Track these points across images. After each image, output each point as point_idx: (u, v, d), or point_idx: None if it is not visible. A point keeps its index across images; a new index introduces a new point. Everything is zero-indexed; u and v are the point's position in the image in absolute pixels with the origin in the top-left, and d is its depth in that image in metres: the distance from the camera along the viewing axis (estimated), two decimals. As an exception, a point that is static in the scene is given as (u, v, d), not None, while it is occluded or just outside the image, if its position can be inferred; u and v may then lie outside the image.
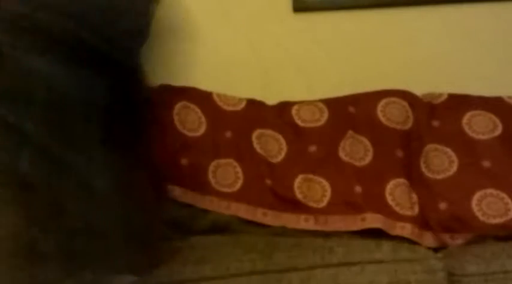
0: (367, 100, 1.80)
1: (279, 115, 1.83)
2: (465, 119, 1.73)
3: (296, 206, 1.66)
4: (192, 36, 1.86)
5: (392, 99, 1.79)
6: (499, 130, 1.70)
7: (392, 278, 1.11)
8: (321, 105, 1.83)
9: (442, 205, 1.60)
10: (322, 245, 1.18)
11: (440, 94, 1.80)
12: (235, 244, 1.24)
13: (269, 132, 1.79)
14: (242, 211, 1.67)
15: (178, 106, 1.81)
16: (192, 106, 1.82)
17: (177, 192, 1.68)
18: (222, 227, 1.64)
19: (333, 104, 1.82)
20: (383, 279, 1.11)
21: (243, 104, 1.86)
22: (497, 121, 1.71)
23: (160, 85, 1.87)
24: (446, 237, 1.56)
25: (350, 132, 1.75)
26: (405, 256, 1.14)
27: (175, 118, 1.80)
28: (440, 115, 1.75)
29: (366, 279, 1.11)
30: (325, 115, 1.80)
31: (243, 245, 1.21)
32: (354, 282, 1.11)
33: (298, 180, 1.69)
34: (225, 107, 1.84)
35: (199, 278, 1.12)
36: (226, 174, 1.72)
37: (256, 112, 1.84)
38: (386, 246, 1.16)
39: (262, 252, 1.16)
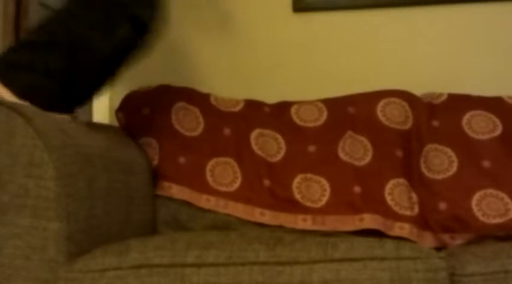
0: (366, 101, 1.79)
1: (277, 114, 1.82)
2: (465, 119, 1.72)
3: (294, 206, 1.64)
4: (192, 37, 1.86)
5: (392, 99, 1.78)
6: (499, 130, 1.69)
7: (394, 276, 1.10)
8: (320, 104, 1.82)
9: (442, 205, 1.60)
10: (325, 240, 1.17)
11: (440, 94, 1.80)
12: (240, 235, 1.23)
13: (268, 131, 1.78)
14: (240, 210, 1.65)
15: (176, 107, 1.81)
16: (191, 107, 1.81)
17: (174, 190, 1.67)
18: (222, 226, 1.63)
19: (332, 104, 1.81)
20: (385, 276, 1.09)
21: (240, 105, 1.85)
22: (497, 121, 1.71)
23: (159, 86, 1.87)
24: (445, 237, 1.56)
25: (349, 132, 1.73)
26: (408, 254, 1.13)
27: (173, 118, 1.79)
28: (440, 115, 1.74)
29: (368, 275, 1.09)
30: (324, 115, 1.79)
31: (247, 237, 1.19)
32: (356, 278, 1.09)
33: (297, 180, 1.68)
34: (223, 109, 1.83)
35: (201, 264, 1.11)
36: (225, 173, 1.71)
37: (254, 111, 1.83)
38: (389, 244, 1.15)
39: (266, 244, 1.14)
